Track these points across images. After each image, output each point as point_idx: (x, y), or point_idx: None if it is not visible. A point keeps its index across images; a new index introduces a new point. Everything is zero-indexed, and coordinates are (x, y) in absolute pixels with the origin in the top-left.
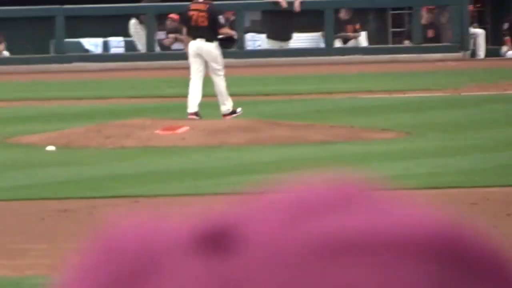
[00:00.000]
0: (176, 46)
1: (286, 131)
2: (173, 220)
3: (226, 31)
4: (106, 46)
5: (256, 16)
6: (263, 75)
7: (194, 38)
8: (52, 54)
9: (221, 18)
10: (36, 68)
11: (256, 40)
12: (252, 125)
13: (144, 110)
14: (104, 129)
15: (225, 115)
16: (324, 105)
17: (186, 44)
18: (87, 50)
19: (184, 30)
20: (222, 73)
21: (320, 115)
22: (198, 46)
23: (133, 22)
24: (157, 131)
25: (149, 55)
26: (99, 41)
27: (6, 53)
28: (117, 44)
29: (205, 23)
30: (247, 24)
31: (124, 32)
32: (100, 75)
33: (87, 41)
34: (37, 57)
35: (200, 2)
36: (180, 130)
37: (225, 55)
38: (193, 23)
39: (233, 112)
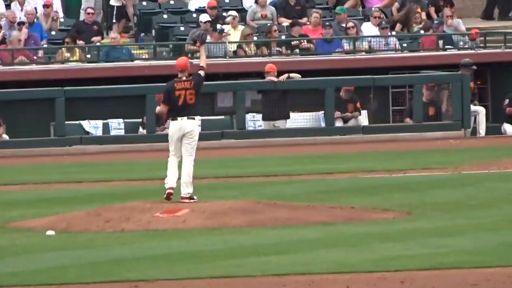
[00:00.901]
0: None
1: (286, 212)
2: None
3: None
4: (106, 128)
5: (257, 96)
6: (263, 155)
7: (177, 117)
8: (52, 137)
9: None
10: (36, 151)
11: (257, 120)
12: (252, 207)
13: (144, 193)
14: (104, 212)
15: (184, 198)
16: (324, 186)
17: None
18: (87, 132)
19: (162, 109)
20: (194, 153)
21: (320, 196)
22: (181, 125)
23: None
24: (157, 214)
25: (149, 136)
26: (99, 123)
27: (5, 137)
28: (117, 125)
29: (193, 101)
30: (247, 104)
31: (124, 114)
32: (99, 157)
33: (87, 123)
34: (37, 140)
35: (184, 80)
36: (180, 213)
37: (225, 136)
38: (180, 103)
39: (192, 197)
